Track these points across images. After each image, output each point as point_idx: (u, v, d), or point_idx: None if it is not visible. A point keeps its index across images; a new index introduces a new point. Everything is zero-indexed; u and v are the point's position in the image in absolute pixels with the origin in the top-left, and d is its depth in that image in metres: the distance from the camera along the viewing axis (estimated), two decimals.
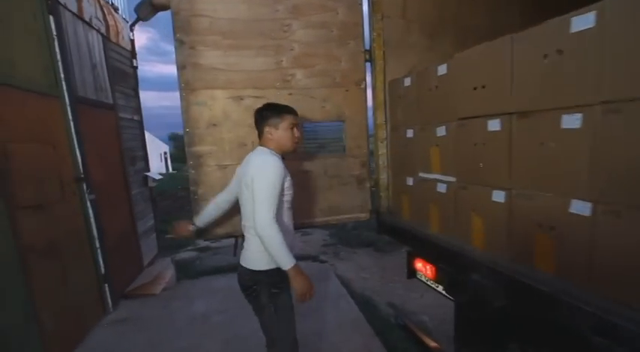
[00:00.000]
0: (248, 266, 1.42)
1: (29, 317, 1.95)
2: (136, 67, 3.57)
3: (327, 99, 1.97)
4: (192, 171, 1.83)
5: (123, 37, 3.38)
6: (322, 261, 4.07)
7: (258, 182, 1.30)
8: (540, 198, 1.20)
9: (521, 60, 1.21)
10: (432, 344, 2.14)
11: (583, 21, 1.00)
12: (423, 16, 2.11)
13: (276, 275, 1.36)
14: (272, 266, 1.36)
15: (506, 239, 1.35)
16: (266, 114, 1.44)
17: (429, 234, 1.80)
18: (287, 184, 1.39)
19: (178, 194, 10.60)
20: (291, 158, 1.96)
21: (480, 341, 1.48)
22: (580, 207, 1.06)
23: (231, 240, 1.92)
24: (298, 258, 1.35)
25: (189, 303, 3.01)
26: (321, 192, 2.03)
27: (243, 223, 1.47)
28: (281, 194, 1.34)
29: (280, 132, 1.43)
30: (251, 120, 1.66)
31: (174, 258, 4.18)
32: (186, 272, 3.78)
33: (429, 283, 1.91)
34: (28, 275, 1.96)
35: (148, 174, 3.72)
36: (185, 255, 4.57)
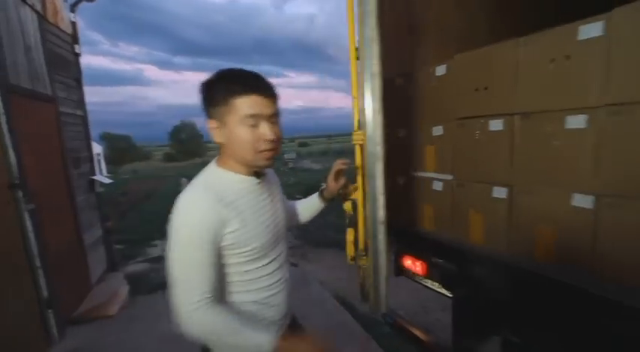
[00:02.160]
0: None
1: None
2: (79, 54, 3.07)
3: None
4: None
5: (62, 19, 2.88)
6: (294, 264, 3.97)
7: (170, 247, 0.82)
8: (542, 194, 1.29)
9: (527, 63, 1.28)
10: (425, 337, 2.18)
11: (591, 29, 1.09)
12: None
13: None
14: None
15: (505, 233, 1.43)
16: (205, 93, 0.85)
17: (421, 231, 1.85)
18: (233, 232, 0.83)
19: (118, 199, 9.87)
20: None
21: (477, 331, 1.55)
22: (580, 200, 1.16)
23: None
24: None
25: (154, 322, 2.67)
26: None
27: None
28: (218, 255, 0.83)
29: (229, 130, 0.82)
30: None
31: (124, 273, 3.73)
32: (139, 287, 3.39)
33: (417, 279, 1.95)
34: None
35: (95, 177, 3.23)
36: (135, 267, 4.13)
